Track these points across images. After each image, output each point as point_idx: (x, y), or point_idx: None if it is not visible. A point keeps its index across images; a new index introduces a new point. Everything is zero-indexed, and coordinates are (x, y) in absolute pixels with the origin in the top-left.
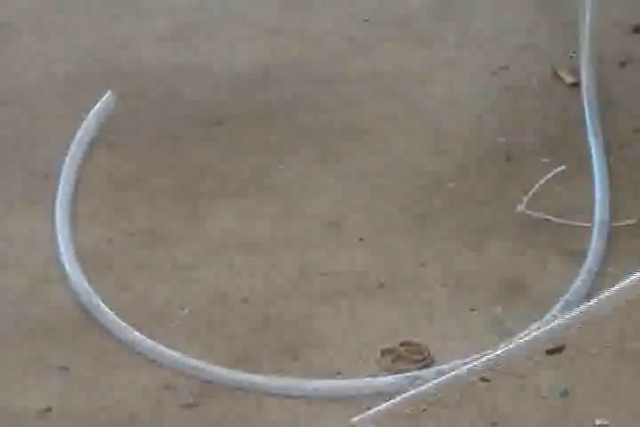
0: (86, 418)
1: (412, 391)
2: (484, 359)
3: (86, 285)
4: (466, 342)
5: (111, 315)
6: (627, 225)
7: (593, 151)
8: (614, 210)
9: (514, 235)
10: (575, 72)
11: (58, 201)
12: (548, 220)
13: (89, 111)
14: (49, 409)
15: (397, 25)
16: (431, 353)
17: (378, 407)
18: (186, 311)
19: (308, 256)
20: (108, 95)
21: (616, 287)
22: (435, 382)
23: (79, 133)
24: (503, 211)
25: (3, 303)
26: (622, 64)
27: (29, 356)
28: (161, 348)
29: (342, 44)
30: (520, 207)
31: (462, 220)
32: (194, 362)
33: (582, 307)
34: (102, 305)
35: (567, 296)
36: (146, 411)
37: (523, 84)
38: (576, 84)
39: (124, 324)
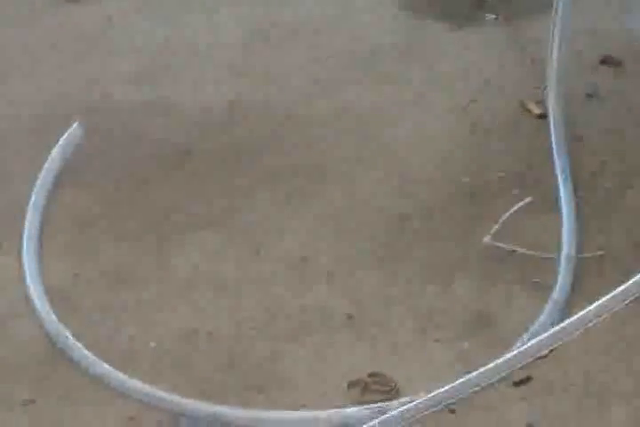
0: None
1: (377, 422)
2: (448, 387)
3: (55, 319)
4: (432, 375)
5: (80, 348)
6: (594, 256)
7: (560, 185)
8: (582, 242)
9: (480, 270)
10: (542, 104)
11: (24, 239)
12: (514, 252)
13: (51, 147)
14: None
15: (362, 64)
16: (397, 385)
17: None
18: (151, 349)
19: (273, 294)
20: (73, 128)
21: (578, 315)
22: (400, 410)
23: (45, 168)
24: (469, 247)
25: None
26: (589, 96)
27: None
28: (129, 380)
29: (307, 85)
30: (487, 239)
31: (428, 257)
32: (162, 394)
33: (544, 335)
34: (71, 338)
35: (532, 329)
36: None
37: (490, 119)
38: (543, 116)
39: (92, 357)
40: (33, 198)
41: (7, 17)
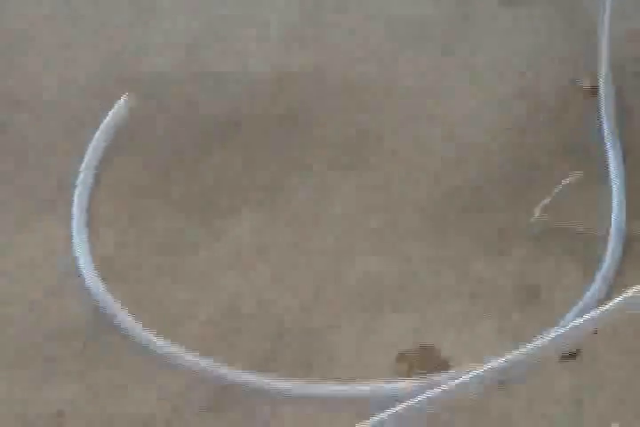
0: (100, 423)
1: (425, 395)
2: (499, 361)
3: (104, 289)
4: (480, 349)
5: (130, 318)
6: None
7: (610, 159)
8: (631, 217)
9: (529, 243)
10: (593, 78)
11: (74, 209)
12: (564, 227)
13: (103, 118)
14: (61, 415)
15: (414, 36)
16: (446, 358)
17: (387, 412)
18: (199, 318)
19: (322, 264)
20: (123, 99)
21: (628, 292)
22: (448, 385)
23: (96, 136)
24: (518, 220)
25: (19, 310)
26: (638, 73)
27: (44, 362)
28: (177, 350)
29: (358, 56)
30: (537, 213)
31: (477, 230)
32: (214, 365)
33: (595, 312)
34: (120, 308)
35: (581, 304)
36: (162, 415)
37: (539, 92)
38: (594, 90)
39: (142, 327)
40: (84, 165)
41: None
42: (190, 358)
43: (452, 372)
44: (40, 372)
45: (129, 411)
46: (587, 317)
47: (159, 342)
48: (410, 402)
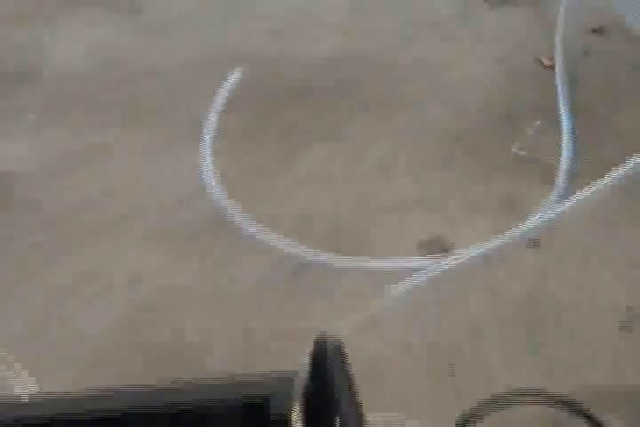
0: (215, 292)
1: (439, 268)
2: (484, 247)
3: (224, 195)
4: (476, 239)
5: (240, 214)
6: (590, 161)
7: (562, 112)
8: (580, 151)
9: (510, 171)
10: (551, 58)
11: (202, 144)
12: (532, 158)
13: (220, 83)
14: (189, 288)
15: (430, 29)
16: (452, 245)
17: (412, 279)
18: (282, 223)
19: (366, 187)
20: (237, 71)
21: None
22: (452, 261)
23: (216, 99)
24: (503, 156)
25: (160, 210)
26: (585, 53)
27: (185, 240)
28: (270, 236)
29: (392, 42)
30: (514, 149)
31: (475, 163)
32: (298, 247)
33: (550, 212)
34: (234, 208)
35: (541, 208)
36: (257, 282)
37: (518, 68)
38: (553, 66)
39: (249, 221)
40: (209, 118)
41: None
42: (277, 241)
43: (456, 254)
44: (180, 248)
45: (236, 277)
46: (545, 215)
47: (257, 232)
48: (429, 272)
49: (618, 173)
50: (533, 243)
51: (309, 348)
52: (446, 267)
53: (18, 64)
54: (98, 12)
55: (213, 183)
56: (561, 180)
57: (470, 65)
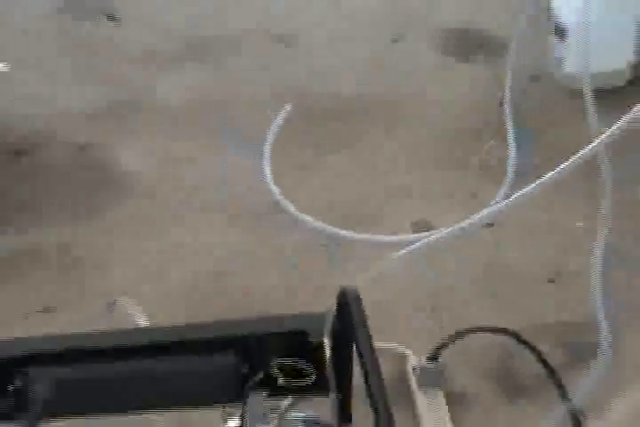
0: (269, 257)
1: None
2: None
3: (277, 187)
4: (453, 216)
5: (286, 200)
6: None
7: (510, 135)
8: (528, 157)
9: (479, 169)
10: (502, 101)
11: (265, 148)
12: (490, 165)
13: (278, 110)
14: (252, 252)
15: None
16: (433, 225)
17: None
18: (311, 202)
19: (375, 178)
20: (288, 106)
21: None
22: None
23: (273, 124)
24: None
25: (233, 198)
26: (525, 92)
27: (243, 224)
28: (302, 216)
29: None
30: (479, 156)
31: (452, 166)
32: (326, 226)
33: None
34: (283, 196)
35: (496, 199)
36: (298, 249)
37: (482, 103)
38: (502, 104)
39: (293, 205)
40: (269, 134)
41: None
42: (312, 221)
43: (439, 231)
44: (246, 224)
45: (282, 245)
46: (497, 204)
47: (298, 213)
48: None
49: (550, 174)
50: (487, 224)
51: (335, 296)
52: (430, 239)
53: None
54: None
55: (269, 176)
56: (509, 180)
57: (446, 101)
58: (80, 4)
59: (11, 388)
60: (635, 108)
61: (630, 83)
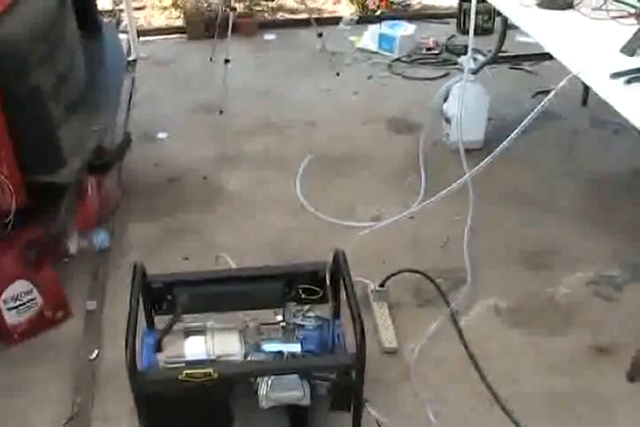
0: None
1: (380, 225)
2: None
3: (304, 198)
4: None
5: (309, 205)
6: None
7: (422, 172)
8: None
9: (404, 191)
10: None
11: (297, 177)
12: (410, 187)
13: (304, 157)
14: (295, 229)
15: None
16: (383, 210)
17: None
18: (328, 209)
19: (361, 192)
20: (310, 154)
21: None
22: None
23: (303, 162)
24: (401, 185)
25: (277, 204)
26: (426, 155)
27: (286, 215)
28: (316, 213)
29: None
30: (404, 183)
31: (395, 180)
32: (331, 218)
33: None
34: (307, 203)
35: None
36: (311, 233)
37: (408, 155)
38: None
39: (314, 208)
40: (300, 170)
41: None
42: (322, 215)
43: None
44: (289, 215)
45: (302, 229)
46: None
47: (315, 211)
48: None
49: (443, 192)
50: (410, 217)
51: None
52: (381, 225)
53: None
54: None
55: (299, 191)
56: (421, 195)
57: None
58: (205, 106)
59: (169, 297)
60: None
61: (484, 146)
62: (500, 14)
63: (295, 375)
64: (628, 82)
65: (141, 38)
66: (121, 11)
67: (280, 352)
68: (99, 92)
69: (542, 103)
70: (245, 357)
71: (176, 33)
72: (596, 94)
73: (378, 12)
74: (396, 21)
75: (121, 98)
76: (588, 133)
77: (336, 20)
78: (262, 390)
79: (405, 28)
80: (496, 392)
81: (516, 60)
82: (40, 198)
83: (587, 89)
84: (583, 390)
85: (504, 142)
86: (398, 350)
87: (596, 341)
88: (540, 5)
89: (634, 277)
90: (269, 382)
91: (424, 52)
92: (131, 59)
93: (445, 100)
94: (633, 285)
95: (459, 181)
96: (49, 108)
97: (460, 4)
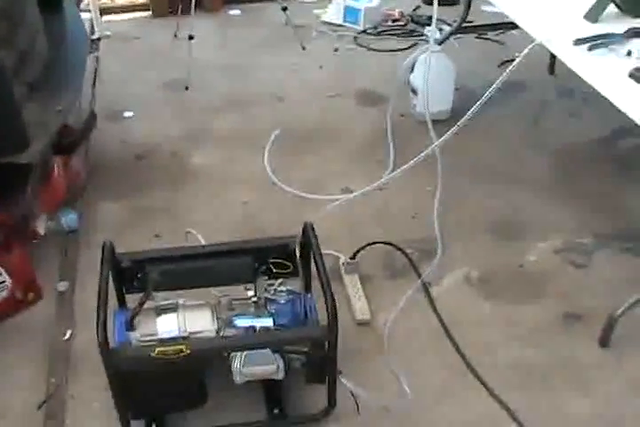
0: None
1: (349, 197)
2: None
3: (272, 172)
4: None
5: (276, 178)
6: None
7: (390, 148)
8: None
9: (374, 164)
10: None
11: (265, 153)
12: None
13: (272, 132)
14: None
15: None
16: (351, 189)
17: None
18: (294, 182)
19: (330, 168)
20: (277, 131)
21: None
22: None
23: (270, 137)
24: (372, 160)
25: (245, 177)
26: (402, 115)
27: (251, 189)
28: (284, 186)
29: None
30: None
31: (363, 154)
32: (296, 191)
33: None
34: (275, 176)
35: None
36: (279, 203)
37: (376, 131)
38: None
39: (280, 181)
40: (267, 145)
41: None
42: (290, 189)
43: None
44: (254, 190)
45: (273, 198)
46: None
47: (282, 184)
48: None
49: (410, 163)
50: (380, 189)
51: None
52: (349, 197)
53: None
54: None
55: (268, 166)
56: (389, 168)
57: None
58: (171, 83)
59: (139, 275)
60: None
61: (452, 116)
62: None
63: (268, 350)
64: (590, 49)
65: (105, 16)
66: None
67: (252, 327)
68: (62, 71)
69: (506, 72)
70: (218, 333)
71: (140, 10)
72: (563, 63)
73: None
74: None
75: (85, 77)
76: (556, 103)
77: None
78: (236, 366)
79: (370, 0)
80: (470, 362)
81: (481, 30)
82: (5, 180)
83: (553, 58)
84: (556, 358)
85: (469, 112)
86: (371, 322)
87: (567, 308)
88: None
89: (603, 244)
90: (243, 358)
91: (390, 23)
92: (94, 37)
93: (412, 71)
94: (602, 252)
95: (426, 151)
96: (10, 88)
97: None
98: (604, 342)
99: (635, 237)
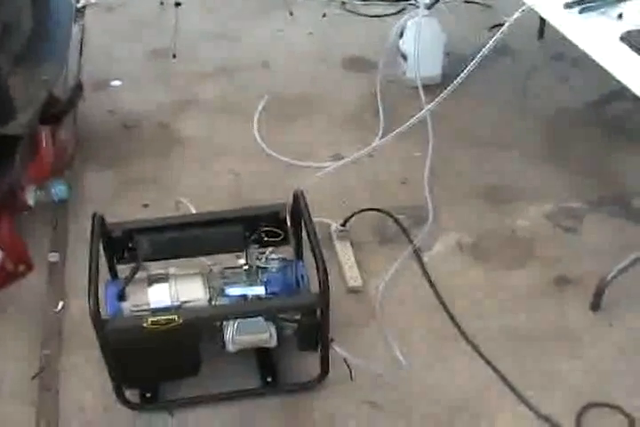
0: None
1: (339, 164)
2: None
3: (261, 138)
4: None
5: (265, 144)
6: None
7: (380, 110)
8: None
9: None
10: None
11: (253, 120)
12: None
13: (261, 99)
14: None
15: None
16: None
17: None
18: (286, 150)
19: (319, 135)
20: (266, 97)
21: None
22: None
23: (259, 104)
24: (362, 125)
25: (235, 147)
26: (392, 81)
27: (240, 159)
28: (274, 154)
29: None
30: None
31: (353, 120)
32: (287, 159)
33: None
34: (263, 142)
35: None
36: (270, 170)
37: (366, 97)
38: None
39: (269, 148)
40: (256, 112)
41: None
42: (278, 155)
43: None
44: (243, 159)
45: (262, 169)
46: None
47: (272, 152)
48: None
49: (400, 128)
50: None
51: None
52: (340, 164)
53: None
54: None
55: (257, 134)
56: (380, 133)
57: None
58: (158, 51)
59: (130, 245)
60: None
61: (442, 81)
62: None
63: (260, 318)
64: (581, 12)
65: None
66: None
67: (244, 296)
68: (47, 41)
69: (495, 36)
70: (210, 302)
71: None
72: (553, 27)
73: None
74: None
75: (71, 46)
76: (546, 67)
77: None
78: (228, 334)
79: None
80: (461, 328)
81: None
82: None
83: (543, 22)
84: (547, 323)
85: (459, 77)
86: (363, 289)
87: (558, 272)
88: None
89: (593, 208)
90: (235, 326)
91: None
92: (79, 6)
93: (401, 36)
94: (593, 215)
95: (417, 116)
96: None
97: None
98: (595, 306)
99: (625, 202)
